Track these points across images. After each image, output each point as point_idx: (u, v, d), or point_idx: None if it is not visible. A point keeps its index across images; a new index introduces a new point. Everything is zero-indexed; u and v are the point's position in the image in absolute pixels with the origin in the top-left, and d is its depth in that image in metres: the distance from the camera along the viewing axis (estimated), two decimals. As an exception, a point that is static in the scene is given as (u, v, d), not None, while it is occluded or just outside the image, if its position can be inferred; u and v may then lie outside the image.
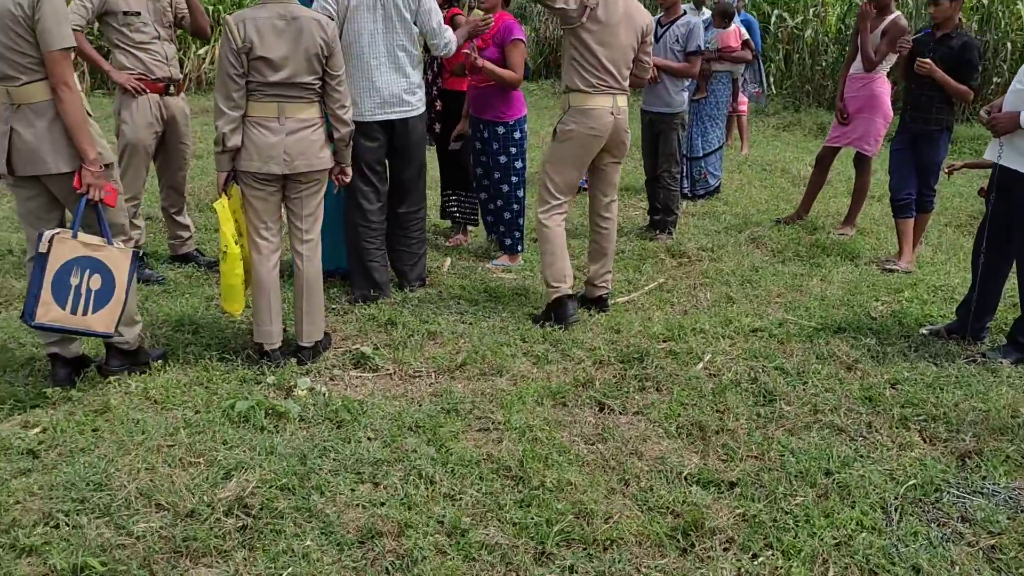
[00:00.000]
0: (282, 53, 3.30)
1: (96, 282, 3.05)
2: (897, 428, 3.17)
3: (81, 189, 3.00)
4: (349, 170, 3.73)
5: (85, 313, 3.04)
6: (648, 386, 3.50)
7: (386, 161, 4.36)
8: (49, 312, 2.96)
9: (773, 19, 12.70)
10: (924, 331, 4.08)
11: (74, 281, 2.99)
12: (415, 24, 4.13)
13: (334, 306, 4.24)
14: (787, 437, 3.09)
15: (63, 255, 2.97)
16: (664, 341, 3.94)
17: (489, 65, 4.57)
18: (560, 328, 4.03)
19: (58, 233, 2.98)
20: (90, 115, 3.14)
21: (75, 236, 3.02)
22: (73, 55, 3.10)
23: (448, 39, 4.22)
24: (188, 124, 4.68)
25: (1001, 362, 3.70)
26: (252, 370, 3.50)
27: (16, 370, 3.46)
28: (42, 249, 2.95)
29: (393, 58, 4.12)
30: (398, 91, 4.16)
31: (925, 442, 3.11)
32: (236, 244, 3.44)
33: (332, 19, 3.90)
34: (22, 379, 3.37)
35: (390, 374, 3.60)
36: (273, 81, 3.33)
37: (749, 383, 3.51)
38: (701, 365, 3.67)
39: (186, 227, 4.83)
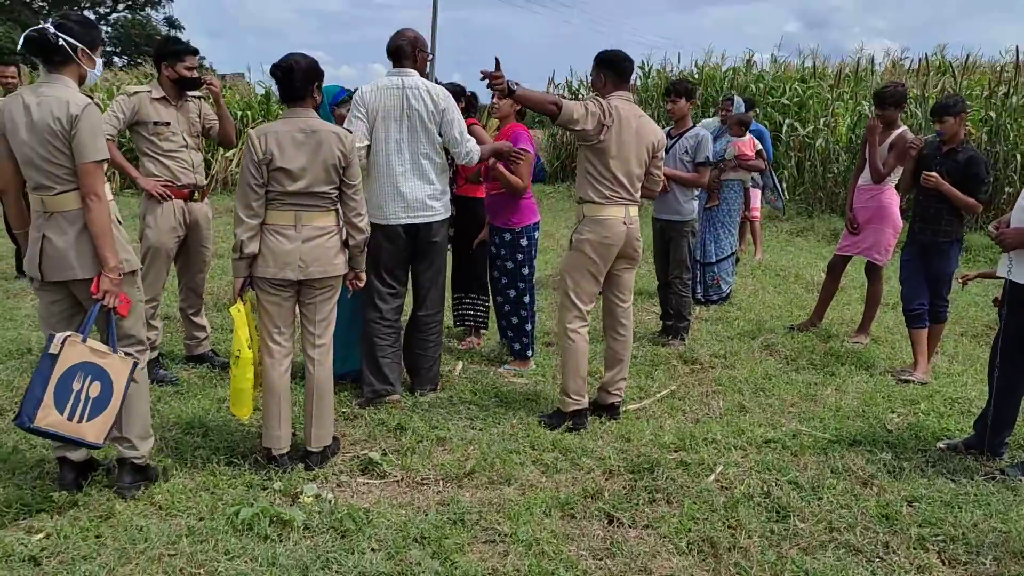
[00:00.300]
0: (301, 164, 3.43)
1: (95, 389, 3.04)
2: (915, 549, 3.08)
3: (97, 295, 3.06)
4: (363, 275, 3.80)
5: (81, 420, 3.01)
6: (658, 498, 3.44)
7: (408, 264, 4.48)
8: (47, 416, 2.94)
9: (784, 128, 13.04)
10: (941, 445, 4.01)
11: (76, 386, 2.99)
12: (439, 134, 4.30)
13: (344, 410, 4.24)
14: (802, 556, 3.00)
15: (71, 359, 2.99)
16: (675, 451, 3.90)
17: (501, 167, 4.73)
18: (570, 434, 4.01)
19: (70, 336, 3.01)
20: (120, 223, 3.25)
21: (84, 340, 3.05)
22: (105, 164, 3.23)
23: (470, 149, 4.37)
24: (210, 228, 4.82)
25: (1021, 479, 3.61)
26: (259, 475, 3.48)
27: (25, 472, 3.46)
28: (53, 350, 2.97)
29: (418, 165, 4.28)
30: (422, 196, 4.30)
31: (944, 564, 3.01)
32: (249, 349, 3.49)
33: (360, 125, 4.17)
34: (30, 482, 3.37)
35: (397, 480, 3.57)
36: (291, 191, 3.45)
37: (762, 497, 3.44)
38: (713, 477, 3.61)
39: (202, 328, 4.90)
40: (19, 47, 3.10)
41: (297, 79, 3.47)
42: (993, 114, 10.77)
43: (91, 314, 3.10)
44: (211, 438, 3.84)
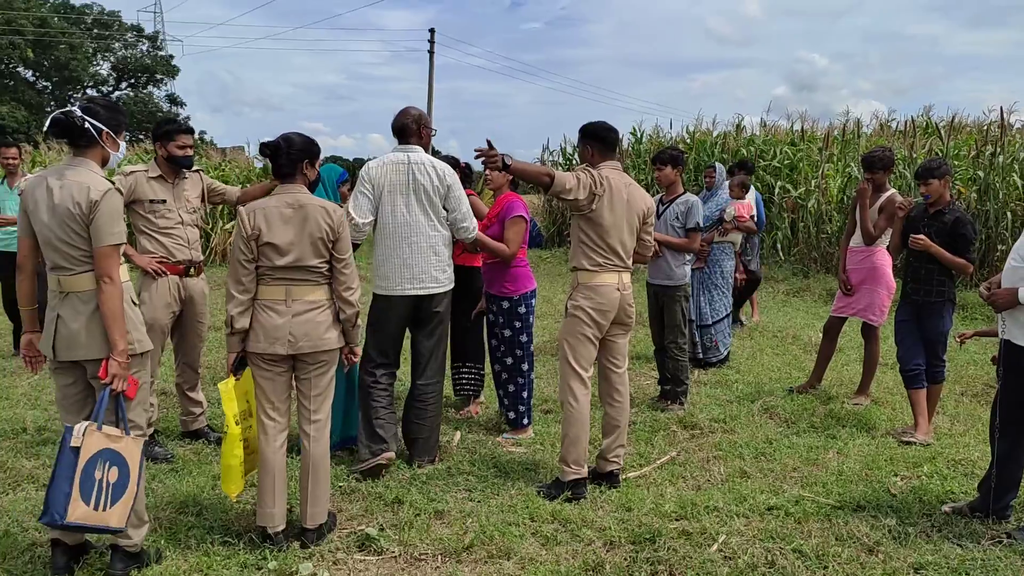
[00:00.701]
0: (288, 239, 3.45)
1: (114, 474, 3.02)
2: (924, 618, 3.02)
3: (106, 379, 3.06)
4: (358, 350, 3.80)
5: (105, 508, 2.98)
6: (661, 570, 3.38)
7: (407, 333, 4.57)
8: (76, 510, 2.90)
9: (777, 190, 13.21)
10: (946, 509, 3.95)
11: (98, 475, 2.96)
12: (444, 208, 4.39)
13: (340, 484, 4.18)
14: (808, 629, 2.93)
15: (91, 448, 2.97)
16: (677, 520, 3.84)
17: (483, 236, 4.82)
18: (570, 504, 3.96)
19: (89, 425, 3.00)
20: (135, 303, 3.27)
21: (100, 428, 3.03)
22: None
23: (472, 226, 4.50)
24: (206, 303, 4.84)
25: (1029, 543, 3.55)
26: (254, 554, 3.42)
27: (16, 557, 3.39)
28: (75, 443, 2.94)
29: (425, 237, 4.37)
30: (428, 268, 4.38)
31: (955, 634, 2.94)
32: (236, 425, 3.48)
33: (364, 201, 4.31)
34: (21, 567, 3.30)
35: (395, 556, 3.51)
36: (280, 265, 3.47)
37: (766, 567, 3.38)
38: (716, 547, 3.55)
39: (199, 403, 4.87)
40: (45, 129, 3.16)
41: (283, 157, 3.53)
42: (981, 173, 10.93)
43: (101, 400, 3.08)
44: (205, 516, 3.78)
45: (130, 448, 3.11)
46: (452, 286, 4.53)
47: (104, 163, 3.21)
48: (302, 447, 3.63)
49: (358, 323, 3.71)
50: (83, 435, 2.95)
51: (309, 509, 3.58)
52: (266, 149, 3.55)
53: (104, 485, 2.98)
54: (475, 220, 4.54)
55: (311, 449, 3.60)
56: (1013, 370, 3.73)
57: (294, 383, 3.64)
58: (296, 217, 3.47)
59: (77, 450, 2.94)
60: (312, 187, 3.69)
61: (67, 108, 3.12)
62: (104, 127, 3.14)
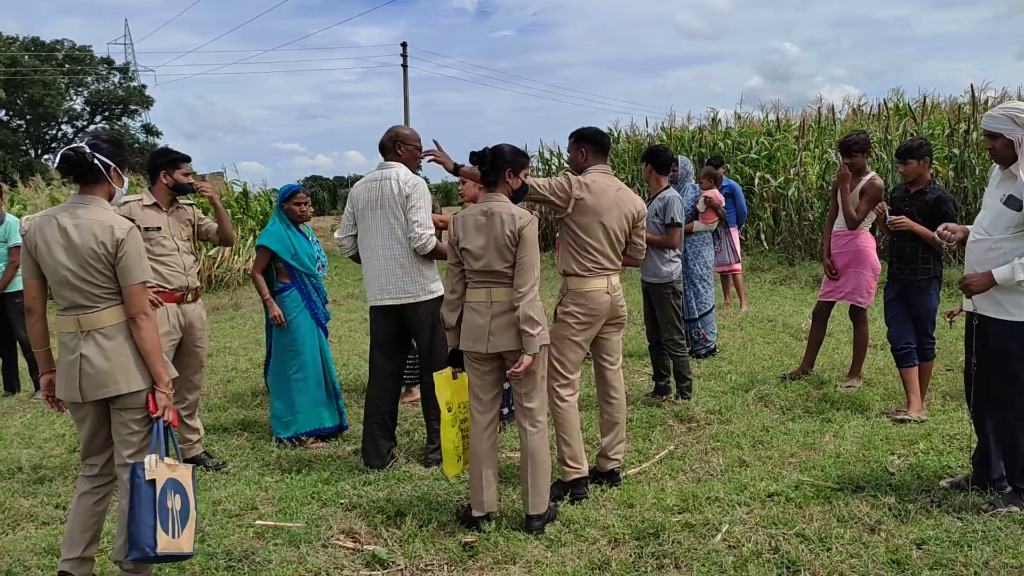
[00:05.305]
0: (480, 244, 3.66)
1: (178, 502, 3.05)
2: (929, 592, 3.04)
3: (157, 412, 3.08)
4: (526, 359, 3.66)
5: (177, 536, 3.00)
6: (667, 564, 3.39)
7: (399, 341, 4.72)
8: (160, 539, 2.92)
9: (756, 180, 13.29)
10: (944, 484, 3.99)
11: (169, 504, 3.00)
12: (407, 218, 4.47)
13: (342, 501, 4.17)
14: (816, 611, 2.95)
15: (162, 479, 2.99)
16: (679, 513, 3.85)
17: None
18: (572, 504, 3.97)
19: (154, 457, 3.02)
20: None
21: (162, 458, 3.04)
22: None
23: (419, 235, 4.44)
24: (204, 329, 4.85)
25: (1014, 509, 3.60)
26: (260, 577, 3.41)
27: (19, 596, 3.38)
28: (150, 476, 2.96)
29: (387, 249, 4.50)
30: (392, 279, 4.51)
31: (961, 606, 2.97)
32: (448, 412, 3.95)
33: (345, 219, 4.64)
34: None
35: (401, 569, 3.50)
36: (476, 269, 3.69)
37: (771, 553, 3.40)
38: (719, 537, 3.57)
39: (195, 430, 4.85)
40: (54, 165, 3.17)
41: (487, 165, 3.72)
42: (957, 151, 11.04)
43: (157, 432, 3.10)
44: (208, 543, 3.76)
45: (185, 475, 3.14)
46: (433, 296, 4.55)
47: (110, 199, 3.21)
48: (520, 439, 3.80)
49: (528, 330, 3.60)
50: (155, 467, 2.98)
51: (530, 499, 3.73)
52: (475, 156, 3.76)
53: (174, 513, 3.02)
54: (429, 233, 4.48)
55: (527, 442, 3.76)
56: (982, 341, 3.74)
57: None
58: (488, 224, 3.65)
59: (153, 482, 2.96)
60: (518, 196, 3.82)
61: (76, 144, 3.13)
62: (111, 162, 3.16)
